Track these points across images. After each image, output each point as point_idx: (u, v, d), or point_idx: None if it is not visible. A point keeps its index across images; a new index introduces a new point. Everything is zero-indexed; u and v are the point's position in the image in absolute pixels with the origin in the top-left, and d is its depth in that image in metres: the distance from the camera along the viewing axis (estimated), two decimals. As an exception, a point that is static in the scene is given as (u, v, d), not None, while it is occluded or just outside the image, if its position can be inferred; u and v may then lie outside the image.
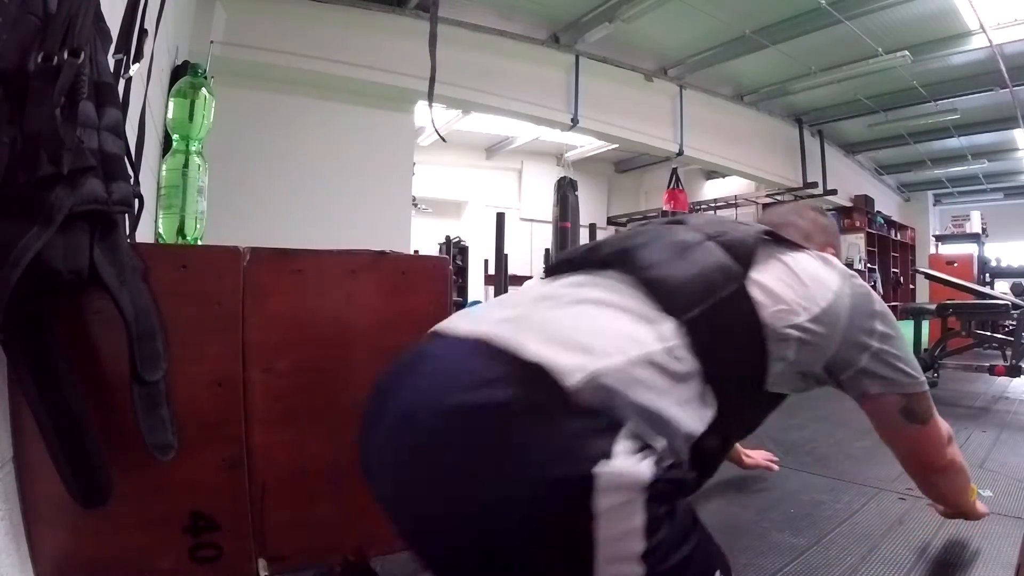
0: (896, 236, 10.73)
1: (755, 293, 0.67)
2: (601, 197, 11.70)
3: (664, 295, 0.65)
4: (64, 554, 0.83)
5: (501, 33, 5.19)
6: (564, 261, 0.81)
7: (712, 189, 11.22)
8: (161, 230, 1.48)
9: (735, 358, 0.66)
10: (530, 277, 8.84)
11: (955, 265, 5.98)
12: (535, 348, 0.57)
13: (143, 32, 1.18)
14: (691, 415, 0.60)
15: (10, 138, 0.58)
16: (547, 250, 4.53)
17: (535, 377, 0.55)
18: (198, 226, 1.49)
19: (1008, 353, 3.09)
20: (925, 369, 2.75)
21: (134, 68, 1.13)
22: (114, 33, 0.95)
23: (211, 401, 0.92)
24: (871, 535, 1.19)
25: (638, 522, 0.52)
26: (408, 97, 4.74)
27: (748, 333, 0.66)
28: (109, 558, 0.83)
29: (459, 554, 0.57)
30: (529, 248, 10.02)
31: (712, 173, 10.63)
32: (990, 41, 5.11)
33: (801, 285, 0.71)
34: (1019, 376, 2.79)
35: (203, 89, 1.55)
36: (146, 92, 1.62)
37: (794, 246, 0.77)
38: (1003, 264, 7.04)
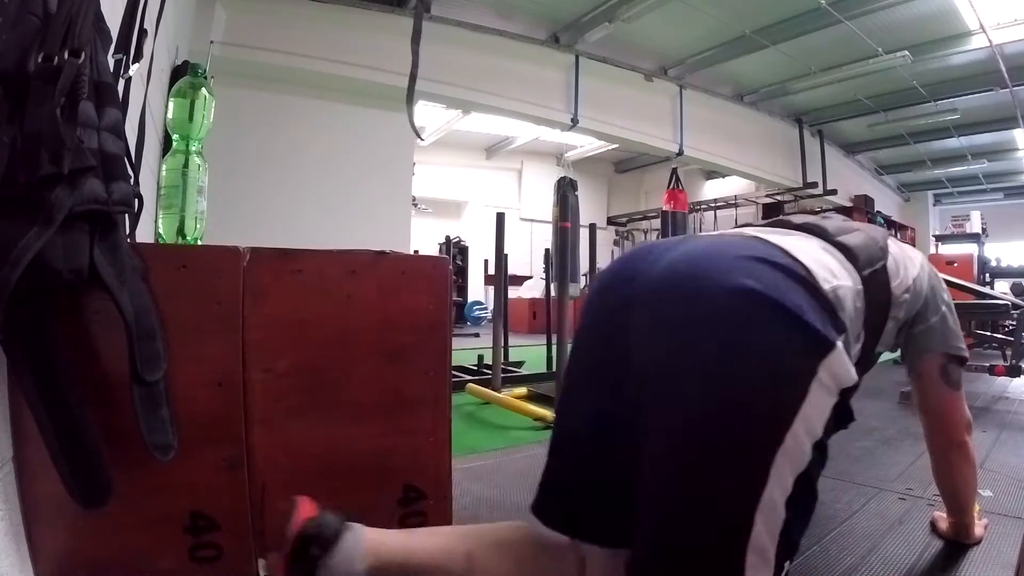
0: (896, 236, 10.73)
1: (889, 267, 0.90)
2: (601, 197, 11.70)
3: (850, 254, 0.82)
4: (64, 554, 0.83)
5: (501, 33, 5.19)
6: (748, 226, 0.98)
7: (712, 189, 11.22)
8: (161, 230, 1.48)
9: (876, 313, 0.85)
10: (530, 277, 8.85)
11: (955, 265, 5.98)
12: (797, 254, 0.72)
13: (143, 32, 1.18)
14: (855, 349, 0.79)
15: (10, 138, 0.58)
16: (547, 250, 4.53)
17: (803, 270, 0.70)
18: (198, 226, 1.49)
19: (1008, 353, 3.09)
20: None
21: (134, 68, 1.13)
22: (114, 33, 0.95)
23: (211, 401, 0.92)
24: (871, 535, 1.19)
25: (827, 410, 0.63)
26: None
27: (884, 295, 0.88)
28: (109, 558, 0.83)
29: (686, 359, 0.65)
30: (529, 248, 10.02)
31: (712, 173, 10.63)
32: (990, 41, 5.11)
33: (903, 266, 0.94)
34: (1019, 376, 2.80)
35: (203, 89, 1.55)
36: (146, 92, 1.62)
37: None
38: (1003, 264, 7.04)
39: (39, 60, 0.59)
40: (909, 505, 1.36)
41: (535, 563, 0.78)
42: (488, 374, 3.17)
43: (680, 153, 6.45)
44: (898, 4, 4.72)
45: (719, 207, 10.55)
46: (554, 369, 2.76)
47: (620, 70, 5.95)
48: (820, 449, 0.64)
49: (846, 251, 0.82)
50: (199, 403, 0.91)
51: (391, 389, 1.08)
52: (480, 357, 3.73)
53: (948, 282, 3.87)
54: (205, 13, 3.69)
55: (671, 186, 6.36)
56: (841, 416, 0.68)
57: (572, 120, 5.56)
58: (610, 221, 11.83)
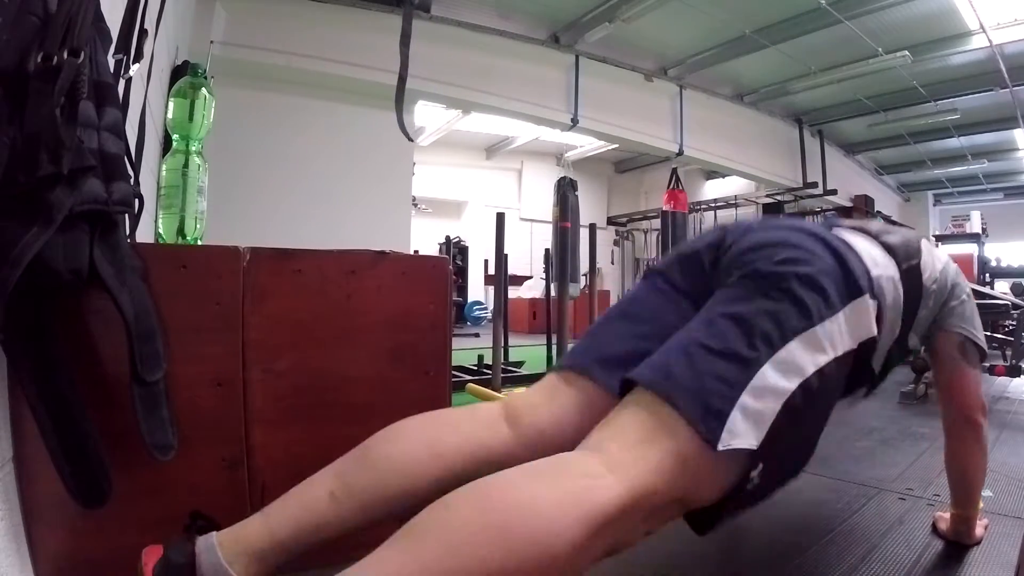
0: (897, 236, 10.73)
1: (922, 263, 1.01)
2: (601, 197, 11.70)
3: (891, 250, 0.95)
4: (64, 554, 0.83)
5: (501, 33, 5.19)
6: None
7: (712, 189, 11.22)
8: (161, 230, 1.48)
9: (911, 300, 0.96)
10: (530, 277, 8.85)
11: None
12: (852, 242, 0.87)
13: (143, 32, 1.18)
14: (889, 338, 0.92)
15: (10, 138, 0.58)
16: (547, 250, 4.53)
17: (856, 253, 0.83)
18: (198, 226, 1.49)
19: (1008, 353, 3.09)
20: (924, 369, 2.75)
21: (134, 68, 1.13)
22: (114, 33, 0.95)
23: (211, 401, 0.92)
24: (871, 535, 1.19)
25: (842, 345, 0.72)
26: (408, 97, 4.73)
27: (917, 286, 0.99)
28: (109, 558, 0.83)
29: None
30: (529, 248, 10.02)
31: (712, 173, 10.63)
32: (990, 41, 5.12)
33: (931, 262, 1.04)
34: (1019, 376, 2.80)
35: (203, 89, 1.55)
36: (146, 92, 1.62)
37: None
38: (1003, 264, 7.05)
39: (39, 60, 0.59)
40: (909, 505, 1.36)
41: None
42: (488, 374, 3.17)
43: (680, 153, 6.45)
44: (898, 4, 4.72)
45: (719, 207, 10.55)
46: (554, 369, 2.78)
47: (620, 70, 5.95)
48: (825, 385, 0.70)
49: (888, 247, 0.95)
50: (199, 403, 0.91)
51: (391, 389, 1.08)
52: (480, 357, 3.73)
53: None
54: (205, 13, 3.69)
55: (671, 186, 6.37)
56: (858, 374, 0.79)
57: (572, 120, 5.56)
58: (610, 221, 11.83)
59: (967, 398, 1.06)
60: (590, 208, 8.65)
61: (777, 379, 0.65)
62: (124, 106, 1.02)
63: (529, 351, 4.48)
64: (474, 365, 3.67)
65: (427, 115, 7.45)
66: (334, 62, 4.34)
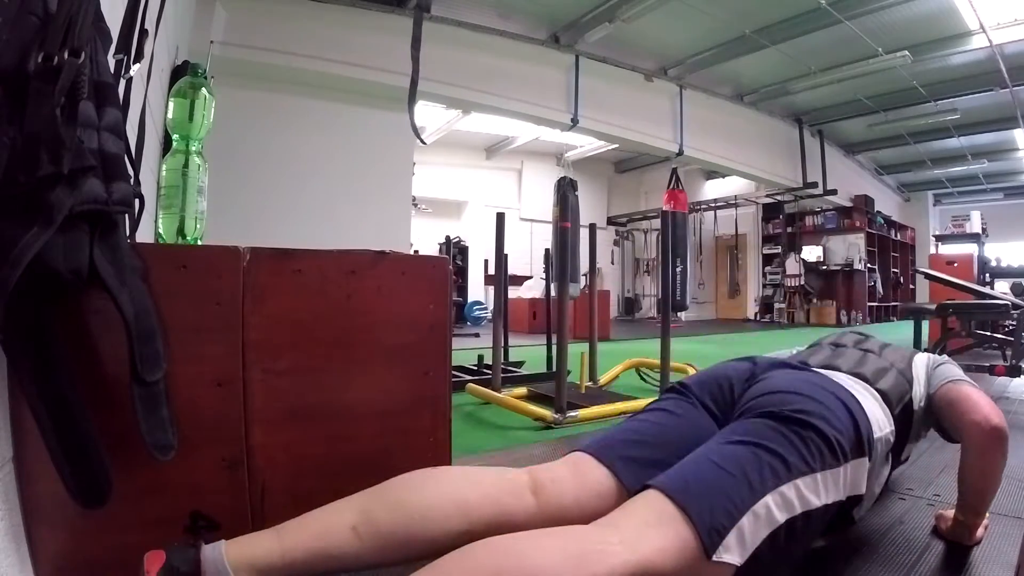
0: (896, 236, 10.73)
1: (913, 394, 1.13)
2: (601, 197, 11.70)
3: (887, 398, 1.06)
4: (64, 554, 0.83)
5: (501, 33, 5.20)
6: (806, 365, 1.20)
7: (712, 189, 11.22)
8: (161, 230, 1.48)
9: (904, 428, 1.09)
10: (530, 277, 8.85)
11: (955, 265, 5.97)
12: (864, 405, 0.98)
13: (143, 32, 1.18)
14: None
15: (10, 138, 0.57)
16: (547, 250, 4.53)
17: (864, 424, 0.94)
18: (198, 226, 1.49)
19: (1008, 353, 3.09)
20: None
21: (134, 68, 1.13)
22: (114, 33, 0.95)
23: (211, 401, 0.92)
24: (871, 535, 1.19)
25: (831, 495, 0.82)
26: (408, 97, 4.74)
27: (909, 415, 1.11)
28: (109, 558, 0.83)
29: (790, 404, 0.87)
30: (529, 248, 10.03)
31: (712, 173, 10.64)
32: (990, 41, 5.12)
33: (919, 381, 1.16)
34: (1019, 376, 2.79)
35: (203, 89, 1.54)
36: (146, 92, 1.62)
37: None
38: (1003, 264, 7.04)
39: (39, 60, 0.59)
40: (909, 505, 1.36)
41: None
42: (488, 374, 3.17)
43: (680, 153, 6.46)
44: (898, 4, 4.72)
45: (719, 207, 10.55)
46: (554, 369, 2.76)
47: (620, 70, 5.95)
48: (807, 526, 0.79)
49: (884, 395, 1.06)
50: (199, 403, 0.91)
51: (391, 389, 1.08)
52: (480, 357, 3.73)
53: (948, 282, 3.88)
54: (205, 13, 3.70)
55: (671, 186, 6.36)
56: (842, 517, 0.89)
57: (572, 120, 5.56)
58: (610, 221, 11.84)
59: (985, 409, 1.04)
60: (590, 208, 8.66)
61: (774, 511, 0.74)
62: (124, 106, 1.02)
63: (529, 351, 4.48)
64: (474, 365, 3.67)
65: (427, 115, 7.46)
66: (334, 62, 4.34)
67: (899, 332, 6.55)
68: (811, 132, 8.16)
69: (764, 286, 10.81)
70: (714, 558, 0.69)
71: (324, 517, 0.78)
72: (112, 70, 0.87)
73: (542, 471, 0.88)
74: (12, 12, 0.59)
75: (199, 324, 0.92)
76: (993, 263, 6.91)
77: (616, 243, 11.99)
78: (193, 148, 1.49)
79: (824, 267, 10.16)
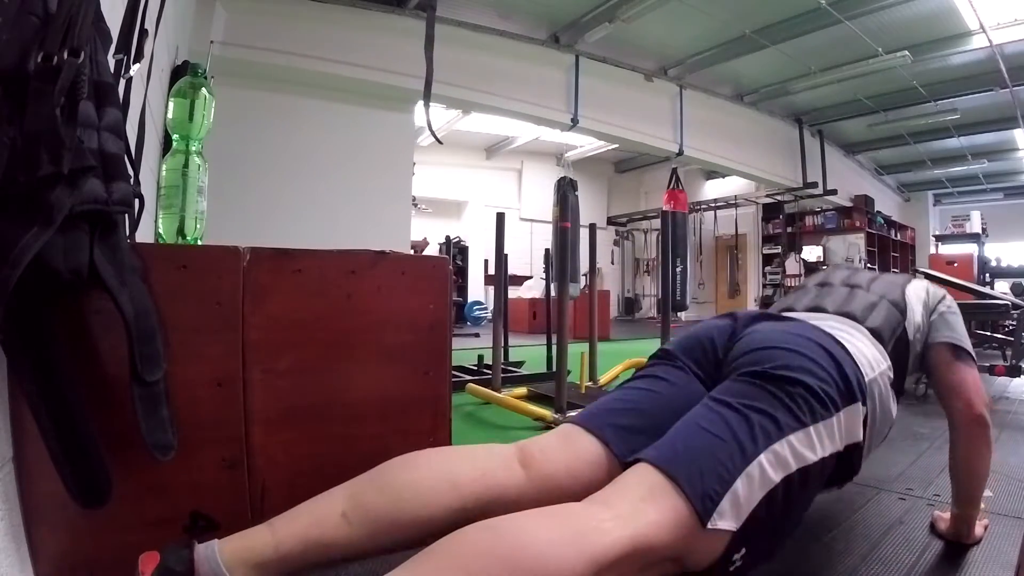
0: (896, 236, 10.72)
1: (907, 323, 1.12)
2: (601, 197, 11.70)
3: (879, 335, 1.04)
4: (64, 554, 0.83)
5: (501, 33, 5.20)
6: (790, 310, 1.19)
7: (712, 189, 11.22)
8: (161, 230, 1.48)
9: (900, 362, 1.07)
10: (530, 277, 8.85)
11: (955, 265, 5.98)
12: (851, 350, 0.94)
13: (143, 32, 1.18)
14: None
15: (10, 138, 0.57)
16: (547, 250, 4.53)
17: (851, 368, 0.90)
18: (198, 226, 1.49)
19: (1008, 353, 3.09)
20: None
21: (134, 68, 1.13)
22: (114, 33, 0.95)
23: (211, 401, 0.92)
24: (871, 535, 1.19)
25: (830, 444, 0.81)
26: (408, 97, 4.75)
27: (904, 348, 1.10)
28: (109, 558, 0.83)
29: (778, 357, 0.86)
30: (529, 248, 10.03)
31: (712, 173, 10.63)
32: (990, 41, 5.12)
33: (915, 309, 1.14)
34: (1019, 376, 2.79)
35: (203, 89, 1.54)
36: (146, 92, 1.62)
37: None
38: (1003, 264, 7.04)
39: (39, 60, 0.59)
40: (909, 505, 1.36)
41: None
42: (488, 374, 3.17)
43: (680, 153, 6.46)
44: (898, 4, 4.72)
45: (719, 207, 10.54)
46: (554, 369, 2.76)
47: (620, 70, 5.95)
48: (806, 482, 0.77)
49: (874, 332, 1.04)
50: (199, 403, 0.91)
51: (391, 389, 1.08)
52: (480, 357, 3.73)
53: (948, 282, 3.88)
54: (205, 13, 3.69)
55: (671, 186, 6.37)
56: (842, 471, 0.87)
57: (572, 120, 5.56)
58: (610, 221, 11.83)
59: (971, 395, 1.07)
60: (590, 208, 8.66)
61: (768, 470, 0.73)
62: (124, 106, 1.02)
63: (529, 351, 4.48)
64: (474, 365, 3.67)
65: (424, 116, 7.45)
66: (334, 62, 4.34)
67: (899, 332, 6.54)
68: (811, 132, 8.15)
69: (764, 286, 10.80)
70: (709, 525, 0.68)
71: (315, 506, 0.77)
72: (112, 70, 0.87)
73: (531, 443, 0.87)
74: (12, 12, 0.59)
75: (199, 324, 0.92)
76: (993, 263, 6.91)
77: (616, 243, 11.98)
78: (193, 148, 1.49)
79: (824, 267, 10.17)
